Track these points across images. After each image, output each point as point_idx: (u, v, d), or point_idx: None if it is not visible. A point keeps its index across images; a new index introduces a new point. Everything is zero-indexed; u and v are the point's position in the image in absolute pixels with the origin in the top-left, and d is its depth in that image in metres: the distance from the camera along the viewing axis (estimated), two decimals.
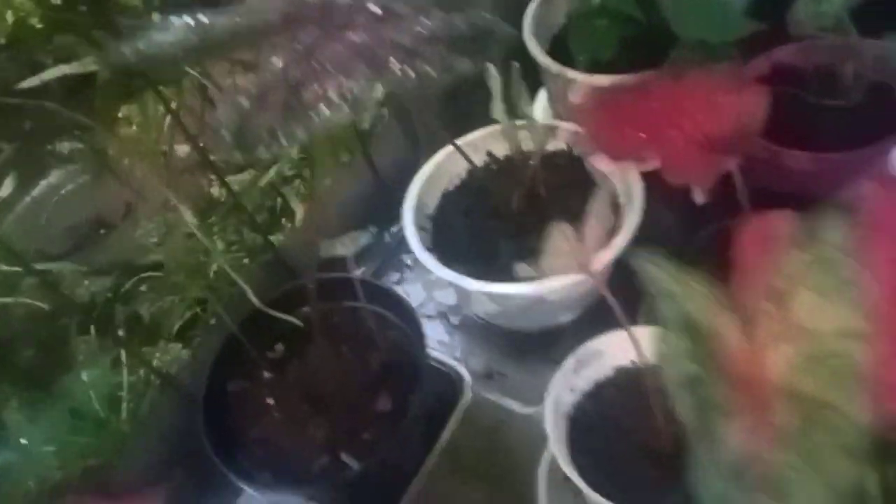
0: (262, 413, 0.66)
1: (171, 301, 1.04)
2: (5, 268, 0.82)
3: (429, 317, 0.84)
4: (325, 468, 0.62)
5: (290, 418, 0.65)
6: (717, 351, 0.33)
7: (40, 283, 0.81)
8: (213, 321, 0.90)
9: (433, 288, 0.87)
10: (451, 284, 0.73)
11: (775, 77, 0.79)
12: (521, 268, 0.54)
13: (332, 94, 0.44)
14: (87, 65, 0.87)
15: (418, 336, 0.65)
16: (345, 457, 0.62)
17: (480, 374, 0.79)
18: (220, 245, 1.15)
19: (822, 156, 0.69)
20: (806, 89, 0.77)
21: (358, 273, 0.64)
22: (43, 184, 0.90)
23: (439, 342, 0.82)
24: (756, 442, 0.32)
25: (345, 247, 0.56)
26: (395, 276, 0.89)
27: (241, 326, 0.67)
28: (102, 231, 1.29)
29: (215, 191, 1.30)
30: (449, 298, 0.85)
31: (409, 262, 0.90)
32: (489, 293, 0.69)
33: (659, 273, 0.33)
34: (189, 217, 0.63)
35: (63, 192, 0.96)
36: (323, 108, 0.42)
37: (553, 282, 0.65)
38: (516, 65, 0.66)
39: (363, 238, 0.57)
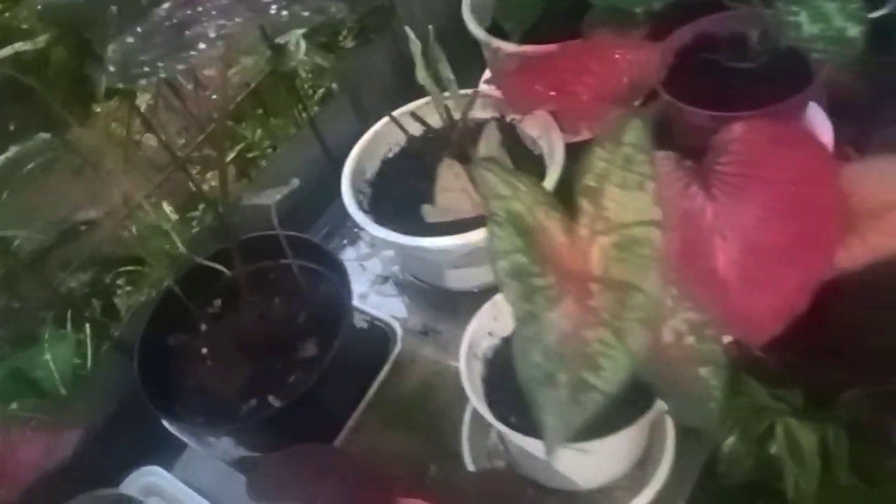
0: (197, 363, 0.69)
1: (149, 294, 1.07)
2: None
3: (371, 280, 0.89)
4: (252, 410, 0.65)
5: (223, 366, 0.68)
6: (542, 245, 0.36)
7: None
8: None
9: (377, 254, 0.91)
10: (385, 243, 0.77)
11: (698, 45, 0.83)
12: (426, 210, 0.58)
13: (211, 33, 0.47)
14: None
15: (345, 286, 0.68)
16: (272, 399, 0.65)
17: (417, 331, 0.82)
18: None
19: (719, 114, 0.72)
20: (722, 55, 0.80)
21: (279, 229, 0.67)
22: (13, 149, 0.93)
23: (379, 303, 0.86)
24: (575, 323, 0.35)
25: (268, 197, 0.59)
26: (343, 242, 0.93)
27: (179, 283, 0.71)
28: (83, 227, 1.33)
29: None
30: (392, 262, 0.89)
31: (356, 229, 0.94)
32: (411, 246, 0.72)
33: (491, 177, 0.37)
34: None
35: (25, 170, 1.00)
36: (201, 45, 0.45)
37: (475, 235, 0.69)
38: (430, 27, 0.69)
39: (285, 189, 0.60)
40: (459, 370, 0.64)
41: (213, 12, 0.47)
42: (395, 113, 0.83)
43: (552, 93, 0.67)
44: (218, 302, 0.74)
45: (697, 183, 0.52)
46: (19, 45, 0.86)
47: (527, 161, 0.80)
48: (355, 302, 0.79)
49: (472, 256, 0.76)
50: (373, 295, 0.87)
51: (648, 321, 0.34)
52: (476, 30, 0.88)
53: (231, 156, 1.14)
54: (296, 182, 0.61)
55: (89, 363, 0.89)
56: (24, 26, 0.87)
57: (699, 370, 0.51)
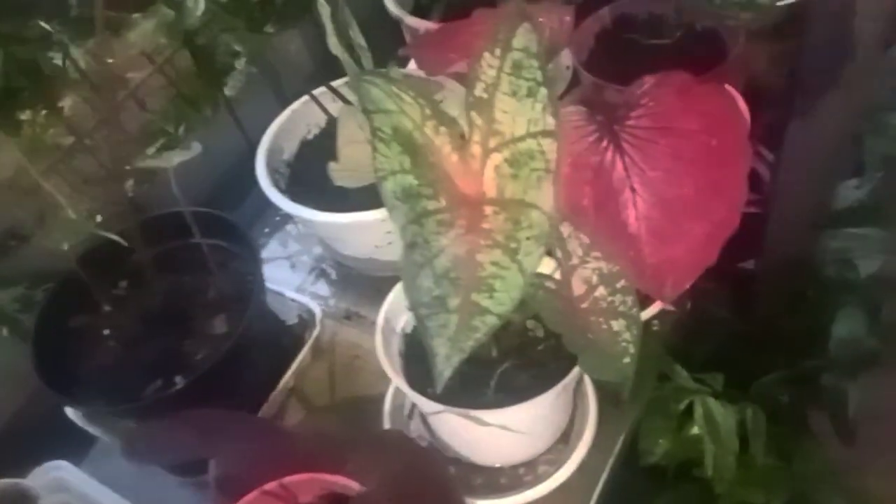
0: (99, 344, 0.65)
1: None
2: None
3: (293, 266, 0.86)
4: (157, 390, 0.61)
5: (127, 347, 0.65)
6: (433, 165, 0.35)
7: None
8: None
9: (300, 240, 0.88)
10: (304, 223, 0.74)
11: (617, 25, 0.84)
12: (332, 168, 0.55)
13: None
14: None
15: (255, 262, 0.65)
16: (178, 378, 0.62)
17: (339, 315, 0.80)
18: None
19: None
20: (640, 33, 0.81)
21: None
22: None
23: (301, 287, 0.83)
24: (469, 247, 0.33)
25: (166, 160, 0.56)
26: (265, 230, 0.90)
27: (81, 263, 0.67)
28: (13, 243, 1.27)
29: None
30: (313, 249, 0.87)
31: (278, 217, 0.91)
32: (328, 223, 0.70)
33: (375, 90, 0.35)
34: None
35: None
36: None
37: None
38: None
39: (187, 153, 0.57)
40: (375, 345, 0.61)
41: None
42: (316, 93, 0.81)
43: (463, 56, 0.66)
44: (124, 283, 0.70)
45: (608, 137, 0.52)
46: None
47: None
48: (277, 287, 0.76)
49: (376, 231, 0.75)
50: (296, 281, 0.84)
51: (542, 238, 0.32)
52: (396, 10, 0.87)
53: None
54: (198, 146, 0.59)
55: None
56: None
57: (612, 323, 0.50)
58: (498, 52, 0.35)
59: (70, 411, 0.67)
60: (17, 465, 0.68)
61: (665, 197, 0.52)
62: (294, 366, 0.71)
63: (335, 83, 0.83)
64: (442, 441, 0.66)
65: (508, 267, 0.32)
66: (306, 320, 0.76)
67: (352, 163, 0.52)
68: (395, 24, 0.91)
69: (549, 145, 0.33)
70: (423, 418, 0.68)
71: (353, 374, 0.75)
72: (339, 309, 0.81)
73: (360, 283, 0.82)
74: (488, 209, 0.34)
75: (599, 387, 0.67)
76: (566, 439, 0.67)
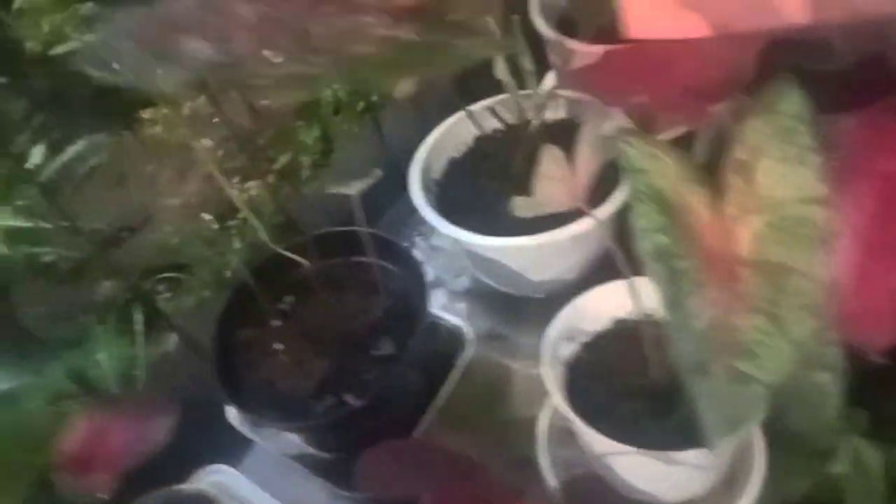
0: (269, 358, 0.68)
1: (189, 298, 1.06)
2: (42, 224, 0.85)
3: (436, 282, 0.87)
4: (329, 408, 0.63)
5: (296, 362, 0.67)
6: (688, 224, 0.35)
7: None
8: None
9: (443, 255, 0.89)
10: (455, 242, 0.75)
11: (776, 48, 0.82)
12: (516, 202, 0.56)
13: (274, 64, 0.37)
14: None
15: (420, 286, 0.66)
16: (349, 397, 0.63)
17: (484, 335, 0.80)
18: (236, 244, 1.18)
19: None
20: (803, 57, 0.78)
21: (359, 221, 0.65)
22: (70, 150, 0.93)
23: (446, 305, 0.84)
24: (724, 309, 0.33)
25: (350, 187, 0.58)
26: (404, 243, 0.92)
27: (253, 275, 0.69)
28: (124, 234, 1.33)
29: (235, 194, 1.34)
30: (458, 263, 0.87)
31: (422, 231, 0.93)
32: (487, 246, 0.70)
33: (632, 149, 0.35)
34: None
35: (89, 163, 1.00)
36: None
37: (554, 234, 0.67)
38: (516, 17, 0.68)
39: (369, 179, 0.59)
40: (543, 375, 0.61)
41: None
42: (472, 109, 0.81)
43: (638, 86, 0.65)
44: (290, 298, 0.72)
45: None
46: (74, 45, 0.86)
47: None
48: None
49: (549, 257, 0.75)
50: (438, 298, 0.85)
51: (813, 307, 0.32)
52: (545, 29, 0.87)
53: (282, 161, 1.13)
54: (378, 172, 0.60)
55: (142, 359, 0.88)
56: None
57: (815, 375, 0.48)
58: (765, 117, 0.34)
59: (234, 417, 0.70)
60: (173, 468, 0.71)
61: (870, 242, 0.50)
62: (447, 387, 0.72)
63: (488, 102, 0.84)
64: (601, 473, 0.65)
65: (772, 333, 0.32)
66: (455, 339, 0.77)
67: (545, 198, 0.53)
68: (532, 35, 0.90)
69: (819, 212, 0.33)
70: (583, 447, 0.68)
71: (500, 396, 0.76)
72: (482, 328, 0.81)
73: (505, 302, 0.83)
74: (744, 271, 0.34)
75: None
76: (729, 481, 0.65)
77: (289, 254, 0.65)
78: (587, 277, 0.79)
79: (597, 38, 0.82)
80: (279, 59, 0.36)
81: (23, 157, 0.92)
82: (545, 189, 0.51)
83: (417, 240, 0.92)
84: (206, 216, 1.24)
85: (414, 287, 0.67)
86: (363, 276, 0.71)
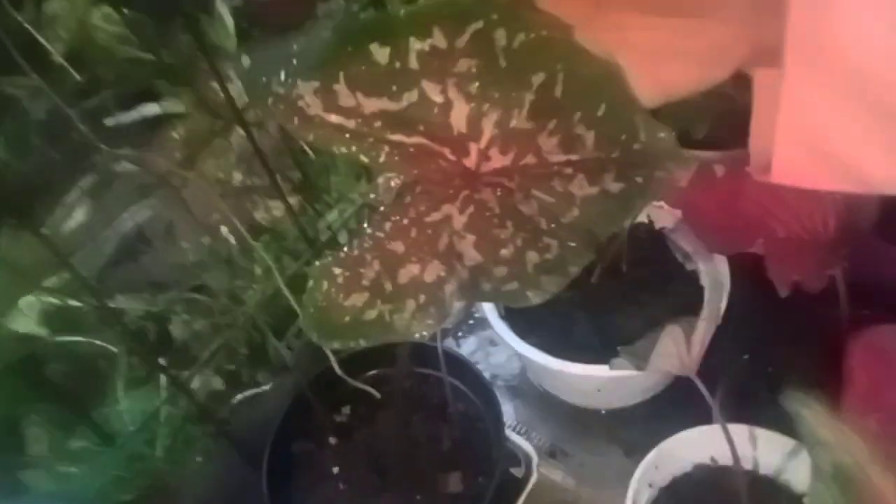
0: (326, 481, 0.64)
1: (205, 325, 1.03)
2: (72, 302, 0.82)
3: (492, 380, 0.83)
4: None
5: (357, 491, 0.63)
6: None
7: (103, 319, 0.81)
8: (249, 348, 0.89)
9: (489, 352, 0.85)
10: (522, 357, 0.71)
11: None
12: (619, 363, 0.52)
13: (431, 281, 0.35)
14: (171, 106, 0.88)
15: (495, 415, 0.62)
16: None
17: (543, 451, 0.76)
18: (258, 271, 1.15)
19: None
20: None
21: (439, 343, 0.61)
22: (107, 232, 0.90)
23: (506, 412, 0.79)
24: None
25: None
26: (458, 332, 0.88)
27: (310, 384, 0.66)
28: (142, 247, 1.30)
29: (259, 215, 1.30)
30: (500, 357, 0.84)
31: (467, 322, 0.88)
32: (564, 372, 0.66)
33: (813, 419, 0.31)
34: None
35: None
36: (411, 301, 0.35)
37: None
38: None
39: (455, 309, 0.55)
40: None
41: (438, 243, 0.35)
42: None
43: (741, 224, 0.61)
44: (346, 409, 0.68)
45: None
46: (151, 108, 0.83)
47: (678, 280, 0.74)
48: None
49: (626, 383, 0.71)
50: None
51: None
52: None
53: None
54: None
55: (162, 416, 0.85)
56: None
57: None
58: None
59: None
60: None
61: None
62: None
63: None
64: None
65: None
66: (518, 457, 0.73)
67: (656, 370, 0.49)
68: None
69: None
70: None
71: None
72: (541, 443, 0.77)
73: (564, 412, 0.79)
74: None
75: None
76: None
77: (353, 381, 0.61)
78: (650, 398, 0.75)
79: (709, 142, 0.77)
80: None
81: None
82: (658, 364, 0.48)
83: (466, 330, 0.88)
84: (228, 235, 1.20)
85: (487, 417, 0.63)
86: (430, 393, 0.67)
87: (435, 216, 0.36)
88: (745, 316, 0.72)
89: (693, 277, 0.74)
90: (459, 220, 0.36)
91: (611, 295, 0.72)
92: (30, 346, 0.77)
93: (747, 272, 0.67)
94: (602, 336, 0.70)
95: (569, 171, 0.35)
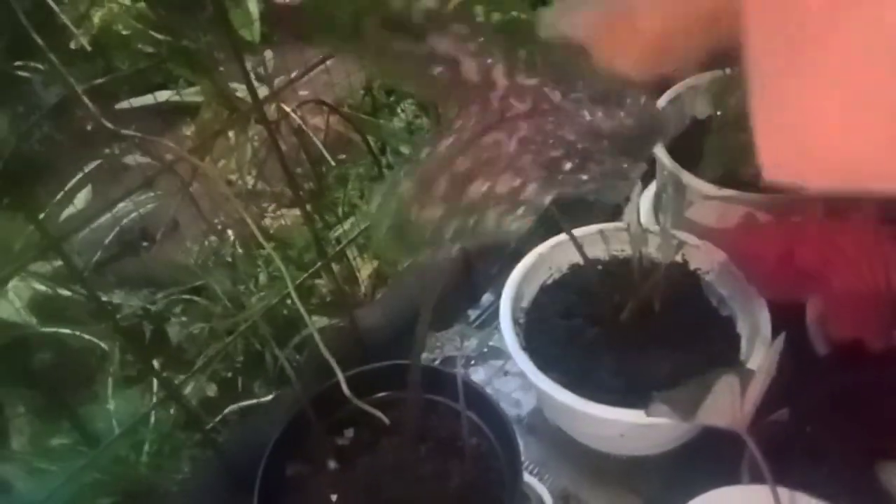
0: None
1: (202, 328, 0.99)
2: (62, 292, 0.78)
3: None
4: None
5: None
6: None
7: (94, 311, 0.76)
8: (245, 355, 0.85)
9: (502, 383, 0.80)
10: (539, 391, 0.66)
11: None
12: (657, 409, 0.47)
13: (504, 192, 0.38)
14: (190, 95, 0.83)
15: (512, 455, 0.58)
16: None
17: (555, 494, 0.71)
18: (262, 278, 1.11)
19: None
20: None
21: (458, 372, 0.57)
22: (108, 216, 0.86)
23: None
24: None
25: (452, 344, 0.50)
26: (472, 360, 0.83)
27: (312, 401, 0.61)
28: (145, 244, 1.25)
29: (267, 221, 1.27)
30: (513, 389, 0.79)
31: (481, 349, 0.84)
32: (592, 415, 0.61)
33: None
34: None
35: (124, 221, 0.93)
36: (492, 211, 0.37)
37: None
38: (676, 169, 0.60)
39: (473, 338, 0.50)
40: None
41: (500, 164, 0.38)
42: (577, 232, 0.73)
43: (799, 275, 0.56)
44: (349, 432, 0.63)
45: None
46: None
47: (712, 325, 0.70)
48: None
49: (650, 431, 0.66)
50: None
51: None
52: (665, 157, 0.78)
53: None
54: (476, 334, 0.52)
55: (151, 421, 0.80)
56: None
57: None
58: None
59: None
60: None
61: None
62: None
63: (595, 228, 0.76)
64: None
65: None
66: (525, 497, 0.68)
67: (706, 421, 0.44)
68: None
69: None
70: None
71: None
72: (554, 486, 0.72)
73: (579, 454, 0.73)
74: None
75: None
76: None
77: (364, 405, 0.56)
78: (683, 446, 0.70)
79: (721, 179, 0.73)
80: None
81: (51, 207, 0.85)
82: (710, 416, 0.43)
83: (481, 357, 0.83)
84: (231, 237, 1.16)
85: (503, 456, 0.58)
86: (442, 424, 0.62)
87: (487, 140, 0.40)
88: (783, 369, 0.68)
89: (728, 324, 0.70)
90: (510, 145, 0.40)
91: (640, 335, 0.68)
92: (16, 333, 0.72)
93: (789, 323, 0.63)
94: (628, 378, 0.65)
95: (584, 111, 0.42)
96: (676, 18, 0.40)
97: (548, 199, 0.38)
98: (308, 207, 0.94)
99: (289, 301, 0.88)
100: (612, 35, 0.41)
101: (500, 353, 0.82)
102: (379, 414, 0.57)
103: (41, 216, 0.79)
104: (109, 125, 0.70)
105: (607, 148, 0.42)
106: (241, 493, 0.59)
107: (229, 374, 0.91)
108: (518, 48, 0.41)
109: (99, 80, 0.86)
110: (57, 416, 0.77)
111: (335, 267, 0.96)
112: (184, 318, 1.03)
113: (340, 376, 0.58)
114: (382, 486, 0.59)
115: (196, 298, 1.02)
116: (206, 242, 1.16)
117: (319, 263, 0.72)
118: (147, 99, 0.81)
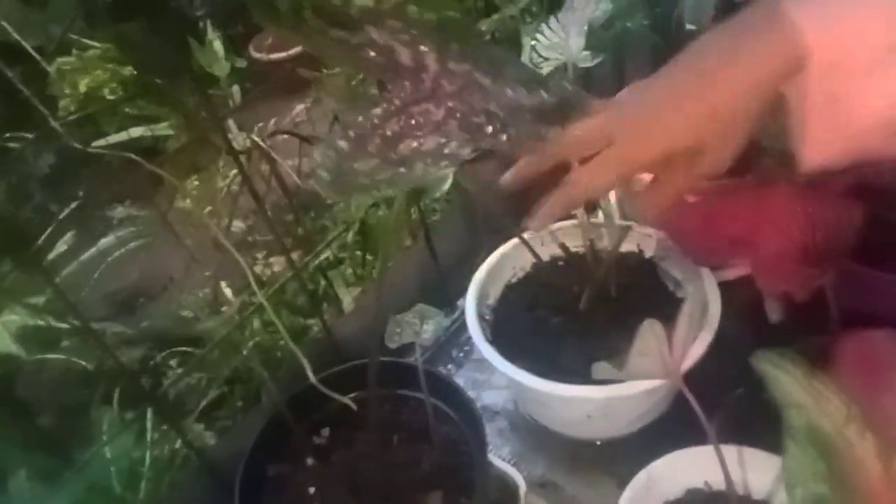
0: (301, 501, 0.61)
1: (199, 378, 1.01)
2: (54, 323, 0.81)
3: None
4: None
5: None
6: (853, 476, 0.29)
7: (85, 343, 0.79)
8: (243, 401, 0.87)
9: (482, 385, 0.83)
10: (510, 381, 0.69)
11: (858, 195, 0.77)
12: (600, 367, 0.50)
13: (430, 149, 0.43)
14: (160, 129, 0.89)
15: (478, 437, 0.60)
16: None
17: (533, 482, 0.73)
18: (255, 324, 1.14)
19: None
20: (891, 209, 0.73)
21: (419, 360, 0.60)
22: (92, 250, 0.90)
23: (494, 441, 0.77)
24: None
25: (416, 336, 0.53)
26: (449, 365, 0.86)
27: (289, 404, 0.64)
28: (141, 300, 1.29)
29: (259, 269, 1.30)
30: (497, 396, 0.81)
31: (457, 354, 0.87)
32: (549, 393, 0.64)
33: (787, 380, 0.29)
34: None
35: (110, 258, 0.97)
36: (418, 164, 0.42)
37: (625, 388, 0.61)
38: None
39: (432, 323, 0.54)
40: None
41: (427, 128, 0.43)
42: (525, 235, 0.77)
43: (728, 241, 0.60)
44: (326, 431, 0.66)
45: None
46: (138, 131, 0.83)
47: (665, 306, 0.73)
48: None
49: (616, 408, 0.69)
50: None
51: None
52: None
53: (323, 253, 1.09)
54: (440, 318, 0.55)
55: (148, 459, 0.82)
56: None
57: None
58: None
59: None
60: None
61: None
62: None
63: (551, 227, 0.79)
64: None
65: None
66: (505, 487, 0.70)
67: (636, 372, 0.47)
68: None
69: None
70: None
71: None
72: (531, 474, 0.74)
73: (556, 444, 0.76)
74: None
75: None
76: None
77: (329, 392, 0.60)
78: (643, 430, 0.73)
79: None
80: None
81: (42, 252, 0.89)
82: (639, 365, 0.46)
83: (459, 358, 0.87)
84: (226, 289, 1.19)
85: (471, 440, 0.61)
86: (412, 415, 0.65)
87: (417, 109, 0.44)
88: (740, 347, 0.71)
89: (682, 302, 0.73)
90: (438, 114, 0.45)
91: (599, 319, 0.71)
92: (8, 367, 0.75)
93: (742, 305, 0.66)
94: (590, 359, 0.68)
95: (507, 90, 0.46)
96: None
97: (467, 153, 0.43)
98: (290, 246, 0.99)
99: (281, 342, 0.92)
100: None
101: (484, 365, 0.85)
102: (349, 402, 0.60)
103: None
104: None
105: (529, 117, 0.47)
106: (224, 493, 0.62)
107: (229, 423, 0.93)
108: (450, 43, 0.45)
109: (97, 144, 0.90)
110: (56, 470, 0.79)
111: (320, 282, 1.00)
112: (179, 371, 1.06)
113: (310, 373, 0.61)
114: (358, 476, 0.61)
115: (191, 350, 1.05)
116: (201, 294, 1.20)
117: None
118: (121, 136, 0.86)
